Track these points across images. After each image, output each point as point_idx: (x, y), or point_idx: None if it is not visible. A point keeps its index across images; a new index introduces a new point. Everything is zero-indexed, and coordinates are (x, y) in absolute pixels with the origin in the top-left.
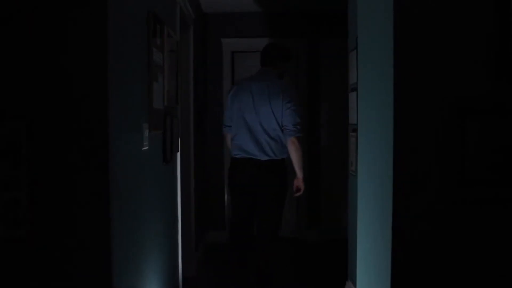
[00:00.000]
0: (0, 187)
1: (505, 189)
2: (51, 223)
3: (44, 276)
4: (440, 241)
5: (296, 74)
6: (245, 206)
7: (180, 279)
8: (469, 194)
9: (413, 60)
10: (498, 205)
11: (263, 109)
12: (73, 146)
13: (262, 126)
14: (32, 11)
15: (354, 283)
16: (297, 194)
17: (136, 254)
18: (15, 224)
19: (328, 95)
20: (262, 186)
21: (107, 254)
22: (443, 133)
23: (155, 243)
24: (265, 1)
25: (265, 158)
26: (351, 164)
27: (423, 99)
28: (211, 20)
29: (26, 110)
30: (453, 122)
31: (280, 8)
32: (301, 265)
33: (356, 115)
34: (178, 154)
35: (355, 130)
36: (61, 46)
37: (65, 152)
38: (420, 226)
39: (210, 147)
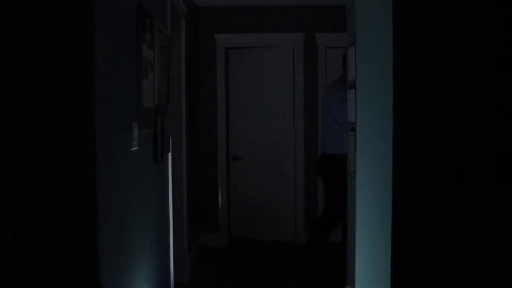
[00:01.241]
0: None
1: (505, 189)
2: (38, 226)
3: (31, 279)
4: (440, 242)
5: (292, 70)
6: None
7: (172, 284)
8: (469, 194)
9: (413, 60)
10: (498, 205)
11: (325, 109)
12: (59, 146)
13: (324, 123)
14: (16, 6)
15: None
16: None
17: (125, 258)
18: (2, 227)
19: None
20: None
21: (94, 258)
22: (443, 133)
23: (145, 247)
24: None
25: (327, 152)
26: (349, 164)
27: (423, 99)
28: (204, 15)
29: (10, 111)
30: (453, 122)
31: (277, 1)
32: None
33: (355, 113)
34: (170, 154)
35: (354, 129)
36: (46, 42)
37: (51, 153)
38: (420, 227)
39: (204, 147)
